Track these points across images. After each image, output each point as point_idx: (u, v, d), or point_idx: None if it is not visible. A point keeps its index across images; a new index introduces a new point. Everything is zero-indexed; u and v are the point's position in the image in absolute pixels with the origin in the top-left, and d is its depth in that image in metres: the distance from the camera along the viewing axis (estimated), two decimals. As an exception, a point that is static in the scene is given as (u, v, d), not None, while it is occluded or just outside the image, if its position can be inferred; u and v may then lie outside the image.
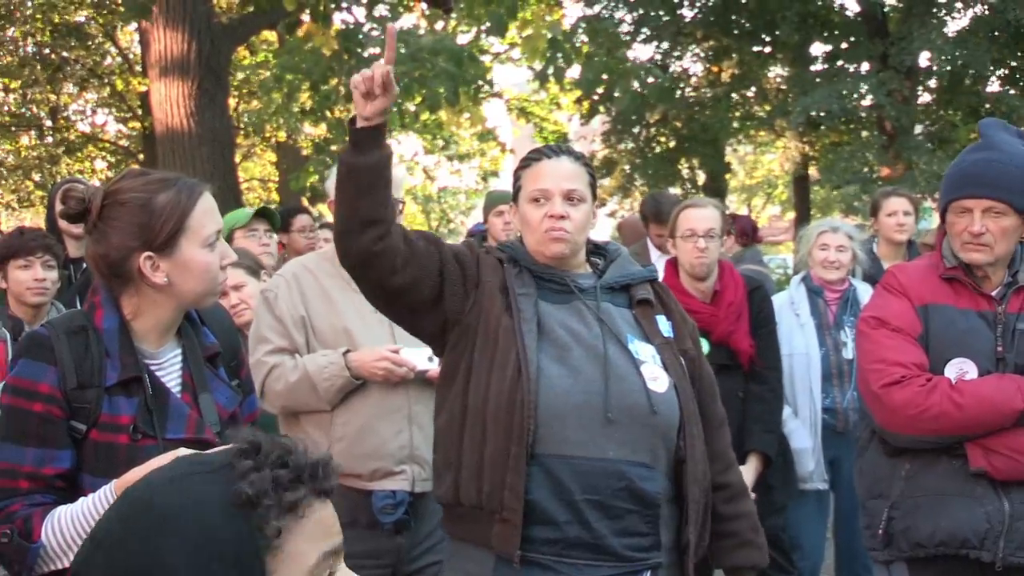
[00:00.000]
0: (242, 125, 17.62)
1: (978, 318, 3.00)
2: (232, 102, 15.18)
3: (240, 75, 16.97)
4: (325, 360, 3.33)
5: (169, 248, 2.20)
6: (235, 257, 2.33)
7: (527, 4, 13.55)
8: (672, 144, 17.77)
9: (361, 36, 11.24)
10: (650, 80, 10.17)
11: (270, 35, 16.71)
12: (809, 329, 4.58)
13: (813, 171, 19.54)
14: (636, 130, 17.68)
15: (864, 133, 16.58)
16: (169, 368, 2.30)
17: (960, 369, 2.94)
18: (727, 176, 19.91)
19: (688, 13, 16.92)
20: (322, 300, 3.47)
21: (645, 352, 2.59)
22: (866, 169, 15.55)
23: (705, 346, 3.96)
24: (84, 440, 2.16)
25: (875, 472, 3.10)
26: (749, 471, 3.98)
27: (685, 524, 2.56)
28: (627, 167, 18.34)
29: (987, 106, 15.98)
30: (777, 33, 16.03)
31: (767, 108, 17.87)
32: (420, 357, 3.39)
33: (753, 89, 18.26)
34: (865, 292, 4.66)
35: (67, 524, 2.07)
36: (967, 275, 3.04)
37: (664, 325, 2.71)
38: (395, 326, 3.45)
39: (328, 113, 12.68)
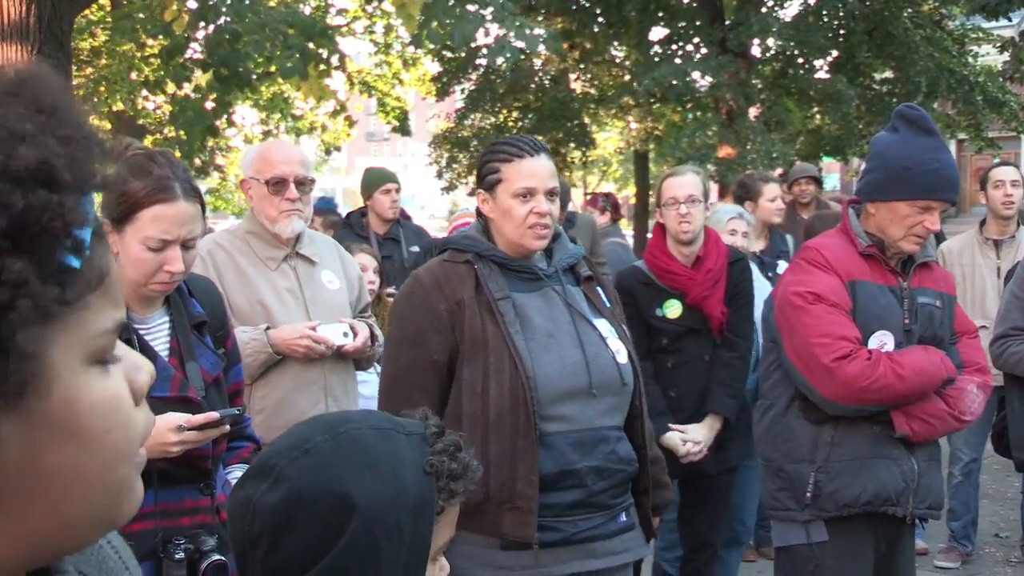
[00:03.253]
0: (79, 92, 16.87)
1: (890, 293, 3.23)
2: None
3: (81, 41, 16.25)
4: (247, 336, 3.36)
5: (119, 226, 2.41)
6: (180, 269, 2.45)
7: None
8: (528, 121, 18.08)
9: (212, 3, 10.89)
10: (506, 56, 10.41)
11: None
12: None
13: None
14: (490, 106, 17.93)
15: (699, 114, 17.25)
16: (157, 332, 2.49)
17: (881, 341, 3.16)
18: (583, 151, 20.34)
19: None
20: (237, 276, 3.50)
21: (604, 328, 2.84)
22: (702, 147, 16.20)
23: (679, 307, 4.14)
24: None
25: (796, 438, 3.26)
26: (705, 428, 4.18)
27: (644, 471, 2.88)
28: (479, 145, 18.57)
29: (815, 90, 16.90)
30: (621, 15, 16.49)
31: (613, 87, 18.36)
32: (336, 333, 3.49)
33: (595, 69, 18.74)
34: None
35: None
36: (881, 252, 3.24)
37: (604, 297, 2.94)
38: (308, 302, 3.54)
39: (172, 86, 12.30)
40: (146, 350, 2.40)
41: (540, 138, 18.28)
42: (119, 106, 16.15)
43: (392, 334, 2.88)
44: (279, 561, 1.31)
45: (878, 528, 3.27)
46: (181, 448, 2.31)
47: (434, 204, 53.07)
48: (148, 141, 14.46)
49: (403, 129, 19.95)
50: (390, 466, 1.33)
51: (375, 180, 6.36)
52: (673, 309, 4.18)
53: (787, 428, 3.30)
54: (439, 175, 21.33)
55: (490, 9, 9.83)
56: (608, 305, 2.92)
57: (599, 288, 2.95)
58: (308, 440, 1.35)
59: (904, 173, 3.14)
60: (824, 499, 3.21)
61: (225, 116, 13.52)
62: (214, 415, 2.35)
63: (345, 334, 3.49)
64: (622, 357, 2.82)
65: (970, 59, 18.65)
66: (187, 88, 11.88)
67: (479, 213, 2.94)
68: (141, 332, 2.44)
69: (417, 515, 1.33)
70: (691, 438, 4.12)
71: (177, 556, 2.33)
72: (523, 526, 2.63)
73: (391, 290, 5.70)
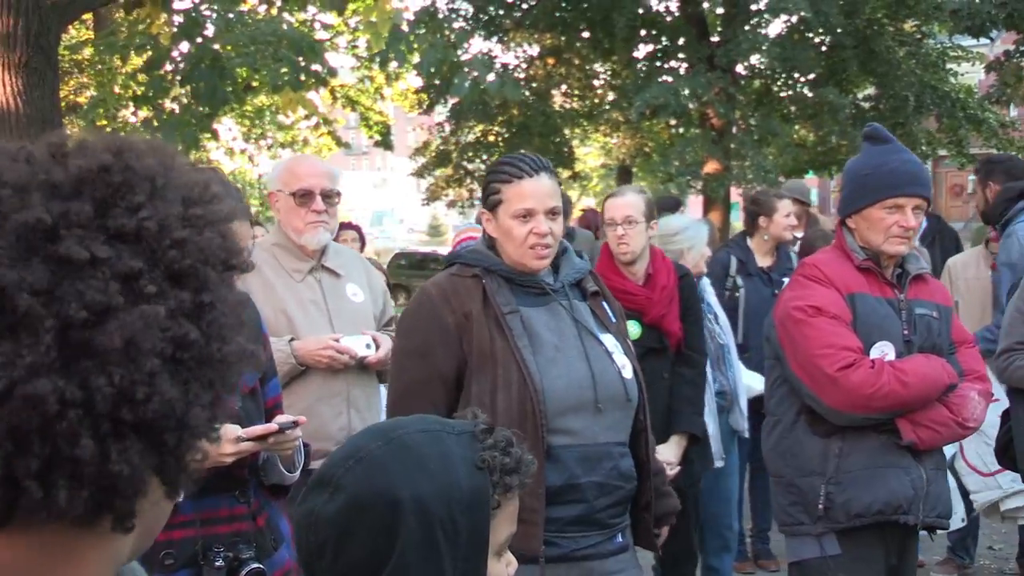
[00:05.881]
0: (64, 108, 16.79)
1: (888, 305, 3.30)
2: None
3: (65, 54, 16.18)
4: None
5: None
6: None
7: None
8: (508, 135, 18.17)
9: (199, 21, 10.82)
10: (490, 77, 10.44)
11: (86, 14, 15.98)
12: None
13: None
14: (472, 123, 18.01)
15: (690, 129, 17.35)
16: None
17: (882, 351, 3.21)
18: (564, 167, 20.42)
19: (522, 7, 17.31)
20: (263, 287, 3.53)
21: (611, 343, 2.85)
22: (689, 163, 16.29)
23: (637, 328, 4.12)
24: None
25: (804, 452, 3.30)
26: (675, 447, 4.20)
27: (647, 485, 2.88)
28: (458, 158, 18.68)
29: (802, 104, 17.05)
30: (608, 32, 16.60)
31: (598, 103, 18.47)
32: (359, 344, 3.52)
33: (581, 82, 18.86)
34: (706, 284, 5.00)
35: None
36: (876, 265, 3.32)
37: (610, 312, 2.95)
38: (333, 314, 3.55)
39: (159, 100, 12.27)
40: None
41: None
42: (102, 121, 16.05)
43: (399, 347, 2.88)
44: (345, 569, 1.34)
45: (887, 539, 3.32)
46: (235, 458, 2.33)
47: (414, 218, 53.13)
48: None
49: (385, 143, 19.94)
50: (440, 465, 1.37)
51: None
52: (631, 330, 4.10)
53: (795, 442, 3.33)
54: (428, 192, 21.41)
55: (454, 36, 9.90)
56: (614, 320, 2.94)
57: (605, 303, 2.96)
58: (362, 448, 1.40)
59: (866, 180, 3.28)
60: (836, 510, 3.24)
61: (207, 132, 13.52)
62: (273, 427, 2.38)
63: (368, 346, 3.55)
64: (627, 372, 2.84)
65: (950, 77, 18.87)
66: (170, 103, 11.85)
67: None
68: None
69: (472, 510, 1.36)
70: (663, 458, 4.09)
71: (217, 564, 2.36)
72: (530, 539, 2.58)
73: None
